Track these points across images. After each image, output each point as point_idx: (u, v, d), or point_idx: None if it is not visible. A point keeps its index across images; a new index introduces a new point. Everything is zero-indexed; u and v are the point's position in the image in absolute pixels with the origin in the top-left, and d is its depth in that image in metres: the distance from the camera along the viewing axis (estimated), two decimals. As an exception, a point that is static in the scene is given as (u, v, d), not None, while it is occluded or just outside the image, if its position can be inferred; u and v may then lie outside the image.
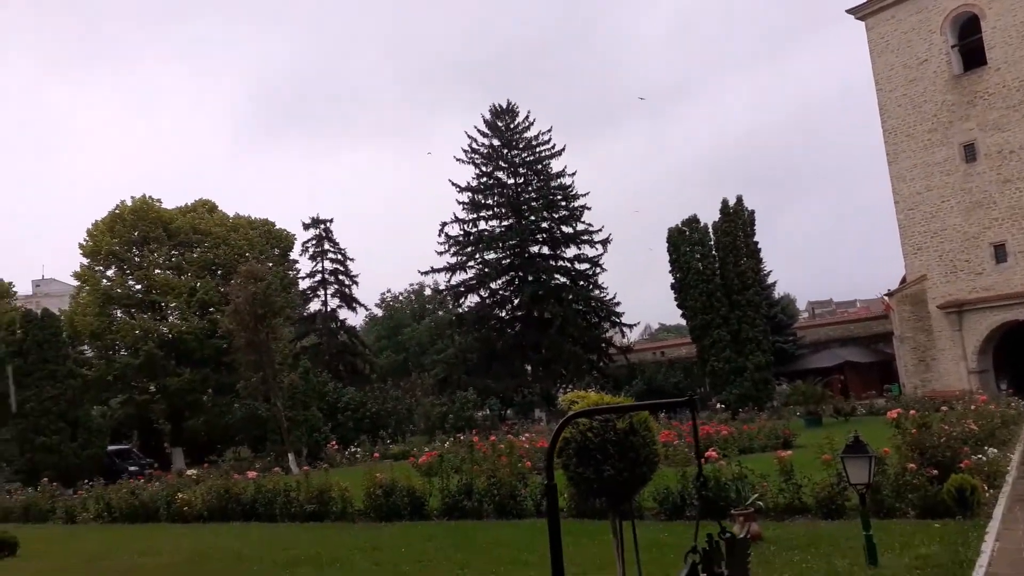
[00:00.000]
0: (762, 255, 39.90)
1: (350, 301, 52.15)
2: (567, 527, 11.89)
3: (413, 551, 10.91)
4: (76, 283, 44.11)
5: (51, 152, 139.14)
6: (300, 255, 50.80)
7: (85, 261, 43.05)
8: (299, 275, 50.36)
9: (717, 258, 37.83)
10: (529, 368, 49.13)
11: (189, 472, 25.11)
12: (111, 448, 36.64)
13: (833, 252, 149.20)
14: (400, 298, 71.50)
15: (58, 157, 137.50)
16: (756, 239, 38.84)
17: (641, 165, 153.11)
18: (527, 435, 25.42)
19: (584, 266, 50.87)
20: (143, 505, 19.11)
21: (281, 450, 31.32)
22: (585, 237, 50.37)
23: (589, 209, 50.59)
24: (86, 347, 42.71)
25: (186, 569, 11.23)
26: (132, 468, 32.32)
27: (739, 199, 38.44)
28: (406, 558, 10.40)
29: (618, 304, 51.01)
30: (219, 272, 43.60)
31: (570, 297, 49.62)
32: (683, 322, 44.17)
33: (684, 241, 38.24)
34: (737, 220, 37.92)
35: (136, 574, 11.28)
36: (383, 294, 70.93)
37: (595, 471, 6.03)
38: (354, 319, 54.33)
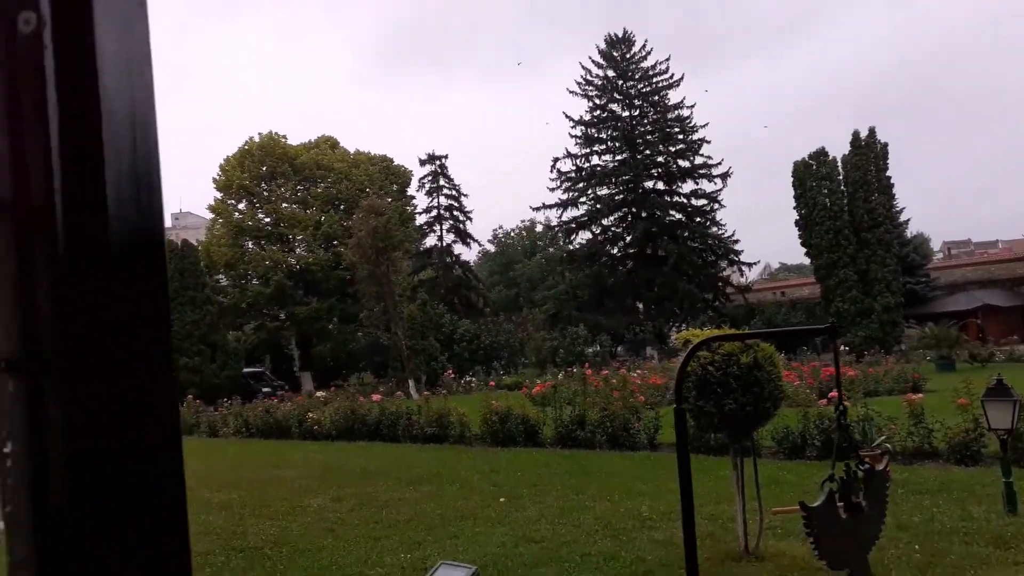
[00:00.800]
0: (895, 191, 37.50)
1: (464, 236, 53.03)
2: (681, 461, 11.95)
3: (528, 475, 11.24)
4: (211, 216, 46.90)
5: (188, 88, 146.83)
6: (416, 191, 51.90)
7: (219, 195, 45.62)
8: (416, 210, 51.56)
9: (846, 194, 35.88)
10: (641, 306, 48.71)
11: (318, 394, 26.72)
12: (246, 370, 39.36)
13: (973, 190, 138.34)
14: (512, 234, 72.10)
15: (194, 93, 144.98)
16: (889, 174, 36.51)
17: (767, 96, 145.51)
18: (639, 372, 25.40)
19: (701, 202, 49.44)
20: (277, 423, 20.53)
21: (401, 377, 32.75)
22: (703, 171, 48.79)
23: (708, 142, 48.87)
24: (221, 276, 45.63)
25: (318, 481, 12.05)
26: (266, 389, 34.68)
27: (871, 131, 36.10)
28: (522, 481, 10.73)
29: (736, 242, 49.50)
30: (341, 207, 45.21)
31: (685, 234, 48.48)
32: (806, 261, 42.42)
33: (810, 176, 36.41)
34: (869, 154, 35.68)
35: (274, 482, 12.20)
36: (495, 230, 71.75)
37: (716, 405, 5.97)
38: (468, 254, 55.37)
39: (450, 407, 16.87)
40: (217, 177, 45.48)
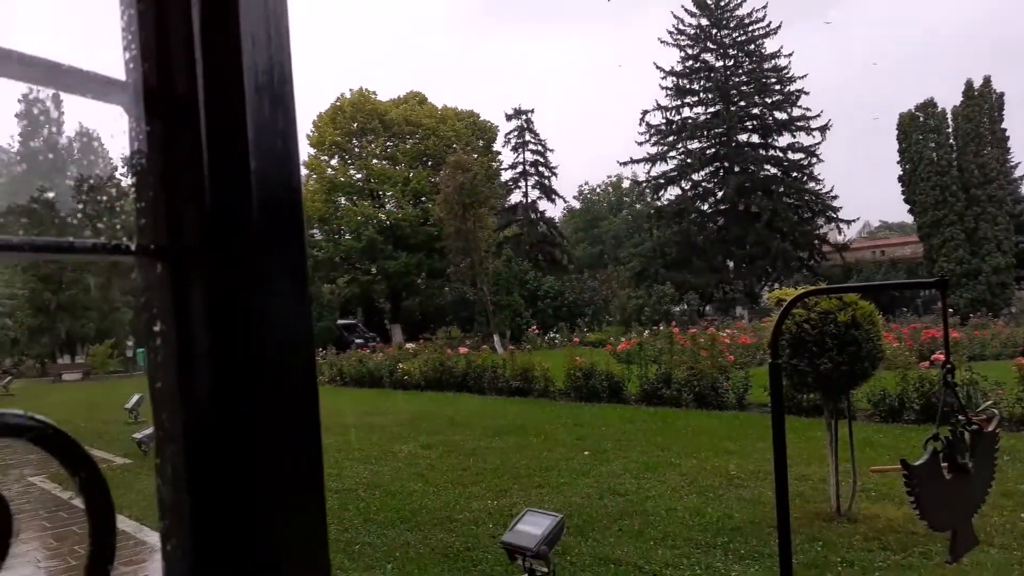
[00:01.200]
0: (1010, 144, 34.99)
1: (549, 192, 52.80)
2: (770, 421, 11.73)
3: (612, 430, 11.27)
4: (305, 172, 48.26)
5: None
6: (502, 146, 51.85)
7: (312, 151, 46.85)
8: (501, 166, 51.57)
9: (955, 147, 33.74)
10: (731, 264, 47.52)
11: (407, 346, 27.43)
12: (340, 322, 40.77)
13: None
14: (597, 191, 71.28)
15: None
16: (1004, 126, 34.03)
17: (870, 46, 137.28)
18: (729, 331, 24.91)
19: (798, 156, 47.47)
20: (369, 373, 21.27)
21: (487, 331, 33.24)
22: (800, 124, 46.75)
23: (806, 93, 46.72)
24: (315, 230, 47.08)
25: (408, 428, 12.45)
26: (358, 340, 35.87)
27: (986, 80, 33.63)
28: (606, 436, 10.78)
29: (835, 198, 47.43)
30: (429, 163, 45.71)
31: (780, 189, 46.76)
32: (909, 219, 40.36)
33: (917, 128, 34.37)
34: (982, 104, 33.34)
35: (367, 428, 12.68)
36: (581, 186, 71.10)
37: (810, 364, 5.81)
38: (553, 211, 55.33)
39: (534, 362, 17.04)
40: (310, 134, 46.64)
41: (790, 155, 47.66)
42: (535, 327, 34.86)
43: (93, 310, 37.13)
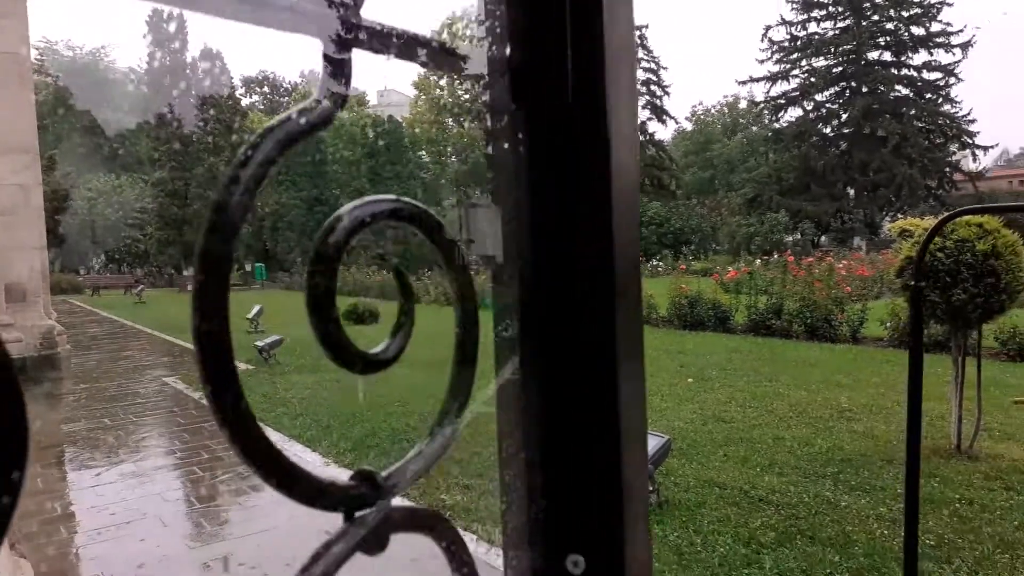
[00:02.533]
0: None
1: (660, 113, 51.10)
2: (886, 356, 11.26)
3: (717, 359, 11.10)
4: (413, 92, 48.51)
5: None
6: (613, 65, 50.30)
7: (422, 71, 46.95)
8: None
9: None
10: (852, 192, 44.98)
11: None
12: (443, 243, 41.56)
13: None
14: (712, 112, 68.39)
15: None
16: None
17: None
18: (845, 262, 23.84)
19: (934, 75, 43.79)
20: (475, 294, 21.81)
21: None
22: (939, 40, 42.91)
23: (949, 5, 42.66)
24: (423, 152, 47.62)
25: (506, 346, 12.69)
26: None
27: None
28: (711, 364, 10.63)
29: (972, 122, 43.71)
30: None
31: (912, 112, 43.45)
32: (1057, 145, 36.77)
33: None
34: None
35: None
36: (694, 107, 68.35)
37: (942, 294, 5.47)
38: (663, 132, 53.58)
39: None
40: (420, 52, 46.61)
41: (925, 74, 44.04)
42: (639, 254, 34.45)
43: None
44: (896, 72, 44.10)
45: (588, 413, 0.35)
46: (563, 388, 0.36)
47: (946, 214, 3.24)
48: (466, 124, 45.88)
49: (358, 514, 0.35)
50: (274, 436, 5.54)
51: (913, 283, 2.97)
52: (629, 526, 0.35)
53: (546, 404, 0.36)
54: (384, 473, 0.36)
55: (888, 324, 11.92)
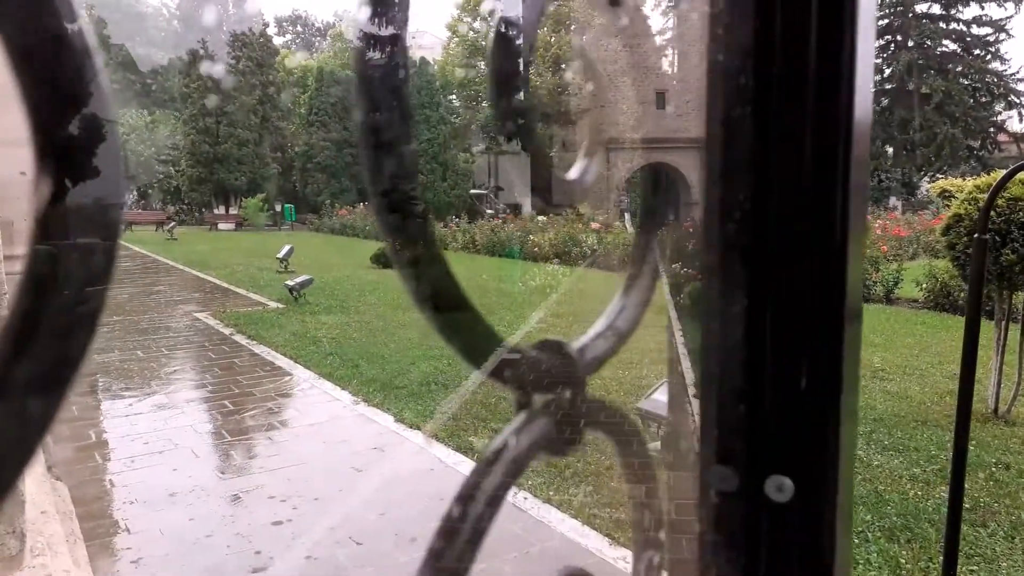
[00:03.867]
0: None
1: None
2: (920, 317, 11.07)
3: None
4: (447, 34, 47.70)
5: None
6: (652, 9, 49.02)
7: (456, 11, 46.08)
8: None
9: None
10: (890, 150, 43.83)
11: (539, 218, 27.54)
12: (472, 191, 41.31)
13: None
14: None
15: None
16: None
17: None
18: (880, 222, 23.38)
19: (984, 31, 42.13)
20: (500, 242, 21.64)
21: (619, 208, 32.84)
22: (992, -7, 41.19)
23: (1006, -46, 40.80)
24: (453, 96, 47.04)
25: (535, 295, 12.68)
26: (489, 211, 36.35)
27: None
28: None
29: (1021, 81, 42.16)
30: (572, 27, 44.03)
31: (958, 68, 41.96)
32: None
33: None
34: None
35: (493, 294, 12.99)
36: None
37: (990, 254, 5.30)
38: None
39: (669, 242, 16.78)
40: (457, -9, 45.74)
41: (974, 29, 42.37)
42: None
43: (246, 164, 39.28)
44: (944, 26, 42.46)
45: (808, 319, 0.29)
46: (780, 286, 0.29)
47: (1009, 171, 3.09)
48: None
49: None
50: (305, 374, 5.60)
51: (976, 235, 2.84)
52: (844, 450, 0.29)
53: (756, 305, 0.29)
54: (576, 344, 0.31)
55: (924, 285, 11.70)
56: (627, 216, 31.34)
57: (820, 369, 0.28)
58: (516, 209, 42.98)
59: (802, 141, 0.28)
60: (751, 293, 0.29)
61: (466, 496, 0.37)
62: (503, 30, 0.41)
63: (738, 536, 0.29)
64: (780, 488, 0.29)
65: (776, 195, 0.28)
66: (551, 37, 43.88)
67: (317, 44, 63.80)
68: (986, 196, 5.25)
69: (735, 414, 0.29)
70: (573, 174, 0.51)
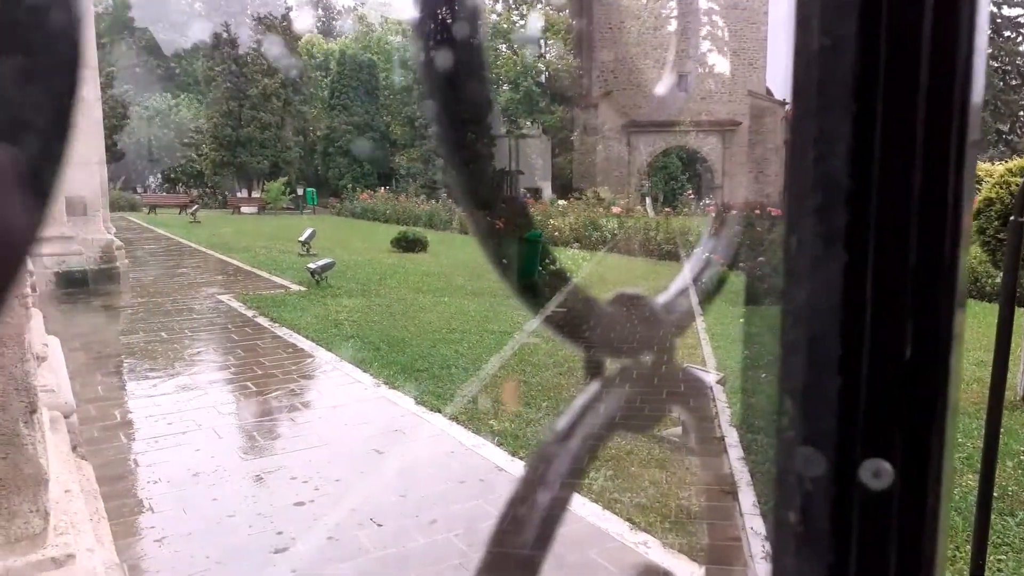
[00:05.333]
0: None
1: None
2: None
3: (771, 300, 10.90)
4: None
5: None
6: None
7: (477, -5, 45.73)
8: (672, 14, 48.38)
9: None
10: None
11: (559, 203, 27.42)
12: (493, 174, 41.15)
13: None
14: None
15: None
16: None
17: None
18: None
19: (1015, 11, 41.20)
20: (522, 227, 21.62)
21: (641, 193, 32.57)
22: (1026, -27, 40.26)
23: (1040, -65, 39.80)
24: (474, 79, 46.77)
25: (557, 279, 12.63)
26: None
27: None
28: (764, 305, 10.43)
29: (1054, 63, 41.23)
30: (595, 9, 43.60)
31: (989, 51, 41.03)
32: None
33: None
34: None
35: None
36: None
37: (1022, 239, 5.18)
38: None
39: (690, 226, 16.63)
40: (477, -24, 45.38)
41: (1005, 10, 41.43)
42: (691, 192, 33.75)
43: (268, 148, 39.43)
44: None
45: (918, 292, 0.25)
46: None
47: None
48: (519, 50, 44.88)
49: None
50: (327, 356, 5.61)
51: (1012, 218, 2.76)
52: (948, 435, 0.25)
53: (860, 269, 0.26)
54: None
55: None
56: (648, 200, 31.06)
57: (928, 337, 0.24)
58: (536, 193, 42.80)
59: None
60: (850, 246, 0.25)
61: (533, 481, 0.34)
62: None
63: (824, 527, 0.26)
64: (877, 473, 0.25)
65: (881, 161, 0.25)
66: (572, 20, 43.50)
67: (338, 28, 63.76)
68: (1020, 179, 5.13)
69: (826, 387, 0.25)
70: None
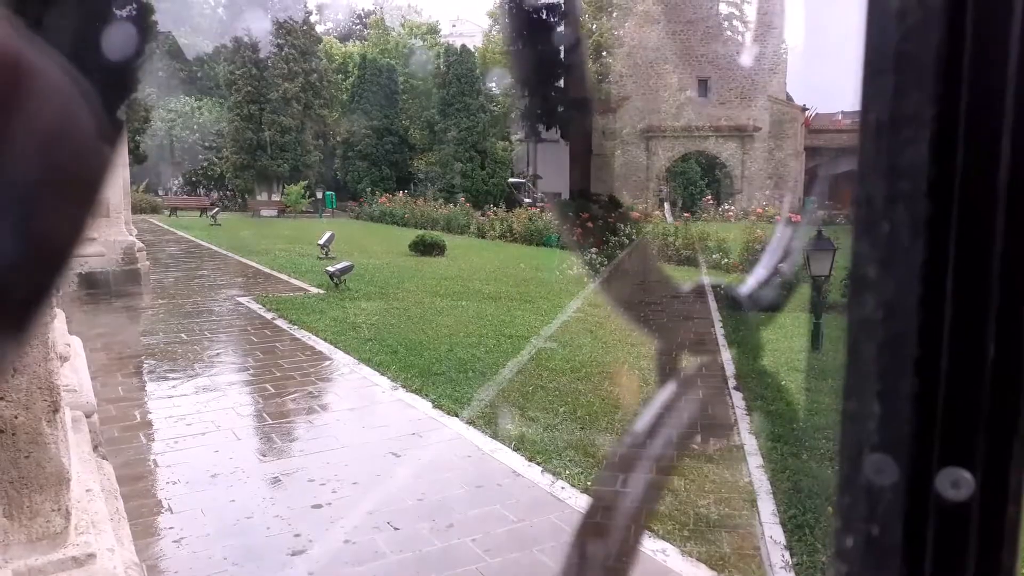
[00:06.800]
0: None
1: (741, 52, 49.03)
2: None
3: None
4: (488, 21, 47.57)
5: None
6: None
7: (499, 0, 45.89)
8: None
9: None
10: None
11: (577, 207, 27.38)
12: (511, 180, 41.20)
13: None
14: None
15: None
16: None
17: None
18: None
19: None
20: (538, 231, 21.55)
21: (659, 198, 32.45)
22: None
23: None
24: (494, 84, 46.90)
25: (573, 284, 12.59)
26: (527, 200, 36.21)
27: None
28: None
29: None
30: (615, 13, 43.53)
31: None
32: None
33: None
34: None
35: (530, 283, 12.94)
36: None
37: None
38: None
39: (709, 232, 16.55)
40: (497, -19, 45.56)
41: None
42: (709, 197, 33.55)
43: (288, 151, 39.70)
44: None
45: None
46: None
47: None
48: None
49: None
50: (345, 359, 5.61)
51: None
52: None
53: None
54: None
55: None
56: (666, 206, 30.93)
57: (1012, 337, 0.22)
58: (554, 198, 42.74)
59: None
60: (930, 240, 0.24)
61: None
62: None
63: (896, 541, 0.24)
64: (956, 483, 0.23)
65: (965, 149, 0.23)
66: (592, 24, 43.49)
67: (357, 31, 64.14)
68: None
69: (900, 391, 0.23)
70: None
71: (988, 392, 0.22)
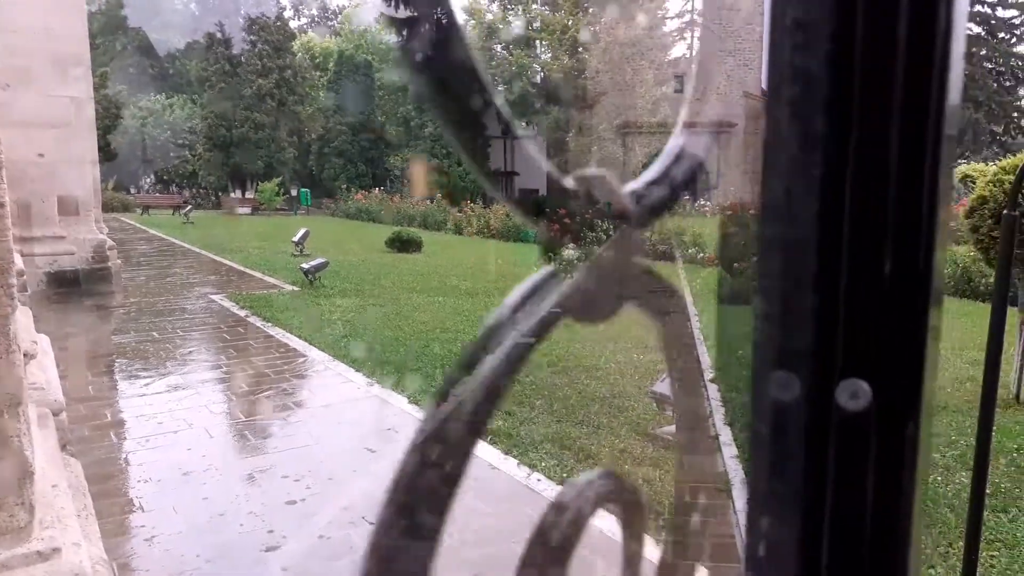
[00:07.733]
0: None
1: (715, 48, 49.38)
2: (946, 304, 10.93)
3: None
4: (464, 16, 47.38)
5: None
6: (668, -5, 48.43)
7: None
8: (667, 15, 48.49)
9: None
10: (911, 135, 43.14)
11: (553, 203, 27.42)
12: (488, 176, 41.17)
13: None
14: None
15: None
16: None
17: None
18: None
19: (1009, 13, 41.38)
20: (516, 227, 21.56)
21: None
22: (1019, -25, 40.45)
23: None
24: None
25: (553, 282, 12.64)
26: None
27: None
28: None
29: (1047, 65, 41.42)
30: (591, 8, 43.57)
31: (982, 52, 41.28)
32: None
33: None
34: None
35: (507, 278, 12.93)
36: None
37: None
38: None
39: (685, 227, 16.68)
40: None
41: (999, 12, 41.64)
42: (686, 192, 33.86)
43: (262, 148, 39.34)
44: (968, 8, 41.64)
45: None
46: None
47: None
48: (514, 51, 44.87)
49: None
50: (320, 355, 5.59)
51: (1005, 212, 2.76)
52: (929, 359, 0.24)
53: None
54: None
55: (944, 271, 11.58)
56: (643, 202, 31.12)
57: (910, 249, 0.23)
58: (532, 194, 42.74)
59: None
60: (827, 161, 0.24)
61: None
62: None
63: (798, 450, 0.24)
64: (855, 394, 0.24)
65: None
66: (568, 20, 43.52)
67: (332, 27, 63.70)
68: (1013, 177, 5.14)
69: (800, 309, 0.24)
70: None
71: (886, 305, 0.23)
